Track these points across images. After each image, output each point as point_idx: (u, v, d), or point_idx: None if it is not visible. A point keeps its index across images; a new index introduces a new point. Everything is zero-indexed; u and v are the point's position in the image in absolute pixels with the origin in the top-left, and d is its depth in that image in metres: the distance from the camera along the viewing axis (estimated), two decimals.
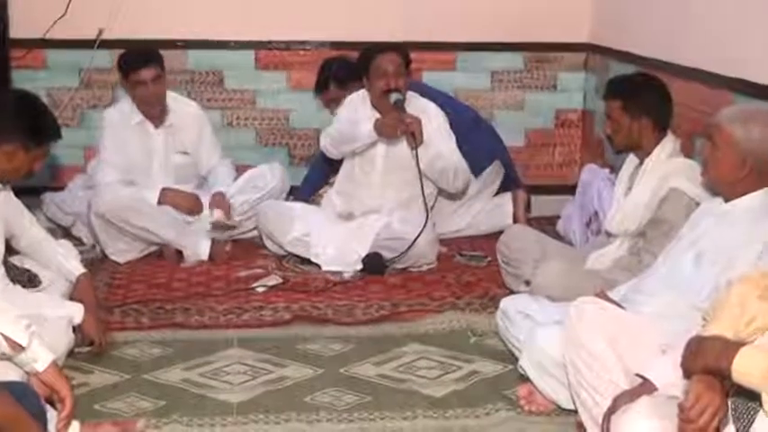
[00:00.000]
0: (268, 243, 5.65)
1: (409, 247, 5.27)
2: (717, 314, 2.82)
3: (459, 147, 5.67)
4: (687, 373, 2.71)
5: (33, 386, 3.17)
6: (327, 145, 5.62)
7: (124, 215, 5.41)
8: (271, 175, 5.93)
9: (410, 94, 5.51)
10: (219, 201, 5.64)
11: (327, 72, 6.09)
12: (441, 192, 5.74)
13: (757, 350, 2.60)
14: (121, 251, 5.50)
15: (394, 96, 5.37)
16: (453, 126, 5.62)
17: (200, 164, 5.86)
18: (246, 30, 6.31)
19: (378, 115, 5.45)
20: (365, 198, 5.57)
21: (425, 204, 5.37)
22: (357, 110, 5.57)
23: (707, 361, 2.64)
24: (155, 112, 5.65)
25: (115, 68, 5.78)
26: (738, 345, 2.62)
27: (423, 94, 5.65)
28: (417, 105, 5.51)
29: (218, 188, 5.74)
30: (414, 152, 5.30)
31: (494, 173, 6.16)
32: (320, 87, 6.15)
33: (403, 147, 5.41)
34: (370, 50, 5.46)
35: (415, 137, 5.27)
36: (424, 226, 5.31)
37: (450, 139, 5.51)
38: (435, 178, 5.49)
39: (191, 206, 5.62)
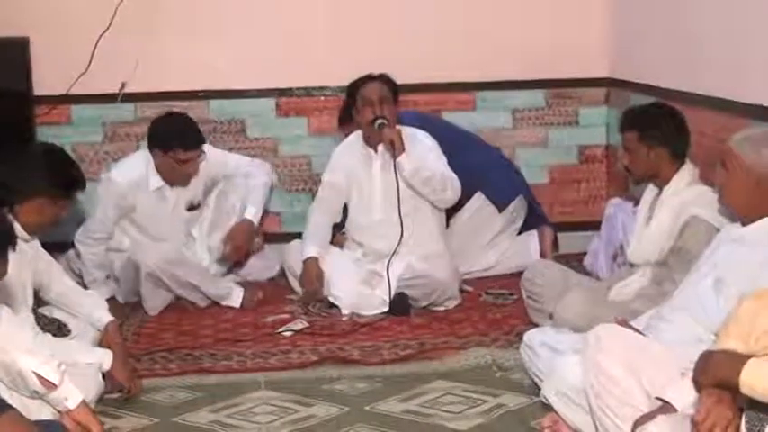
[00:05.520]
0: (293, 282, 5.64)
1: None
2: (728, 329, 2.83)
3: (480, 186, 5.72)
4: (698, 387, 2.72)
5: (65, 424, 3.25)
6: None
7: (171, 270, 5.40)
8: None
9: (399, 126, 5.47)
10: (238, 234, 5.63)
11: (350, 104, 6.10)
12: (454, 220, 5.81)
13: (765, 362, 2.61)
14: (157, 306, 5.48)
15: (378, 122, 5.36)
16: (472, 164, 5.66)
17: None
18: (266, 78, 6.38)
19: (371, 153, 5.49)
20: (376, 240, 5.51)
21: (400, 220, 5.35)
22: (352, 151, 5.59)
23: (716, 374, 2.67)
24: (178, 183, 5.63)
25: (137, 121, 5.97)
26: (746, 357, 2.64)
27: (442, 134, 5.65)
28: (405, 132, 5.44)
29: (247, 214, 5.67)
30: (393, 162, 5.32)
31: (518, 209, 6.14)
32: (343, 119, 6.10)
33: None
34: (355, 84, 5.50)
35: (393, 145, 5.29)
36: (399, 242, 5.35)
37: (439, 157, 5.47)
38: (421, 189, 5.40)
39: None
